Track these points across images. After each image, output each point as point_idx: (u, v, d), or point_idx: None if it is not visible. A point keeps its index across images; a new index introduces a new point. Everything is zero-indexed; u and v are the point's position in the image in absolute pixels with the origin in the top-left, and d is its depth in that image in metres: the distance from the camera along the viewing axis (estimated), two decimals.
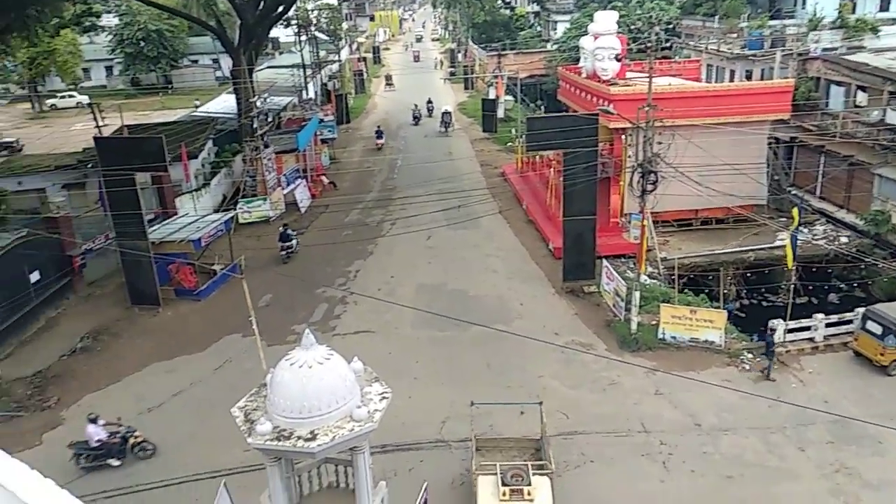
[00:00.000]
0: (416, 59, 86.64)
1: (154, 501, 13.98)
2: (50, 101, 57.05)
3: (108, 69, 67.05)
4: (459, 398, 17.02)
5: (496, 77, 51.67)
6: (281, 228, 27.20)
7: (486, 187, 34.30)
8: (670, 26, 47.95)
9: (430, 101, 53.52)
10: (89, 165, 26.95)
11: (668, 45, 44.27)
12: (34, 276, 21.50)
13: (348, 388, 9.23)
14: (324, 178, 36.71)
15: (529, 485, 12.10)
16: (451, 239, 27.94)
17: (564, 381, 17.91)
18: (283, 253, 26.50)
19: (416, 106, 51.55)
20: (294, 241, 26.96)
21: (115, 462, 14.98)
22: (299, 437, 8.53)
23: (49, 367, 19.29)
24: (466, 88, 65.89)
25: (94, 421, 14.90)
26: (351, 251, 27.28)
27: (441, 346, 19.79)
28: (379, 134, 45.23)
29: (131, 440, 15.18)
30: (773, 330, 18.54)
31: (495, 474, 12.36)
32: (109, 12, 60.23)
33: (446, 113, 48.35)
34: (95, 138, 22.76)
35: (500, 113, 48.90)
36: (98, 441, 14.81)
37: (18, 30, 24.45)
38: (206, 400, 17.19)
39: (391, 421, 13.09)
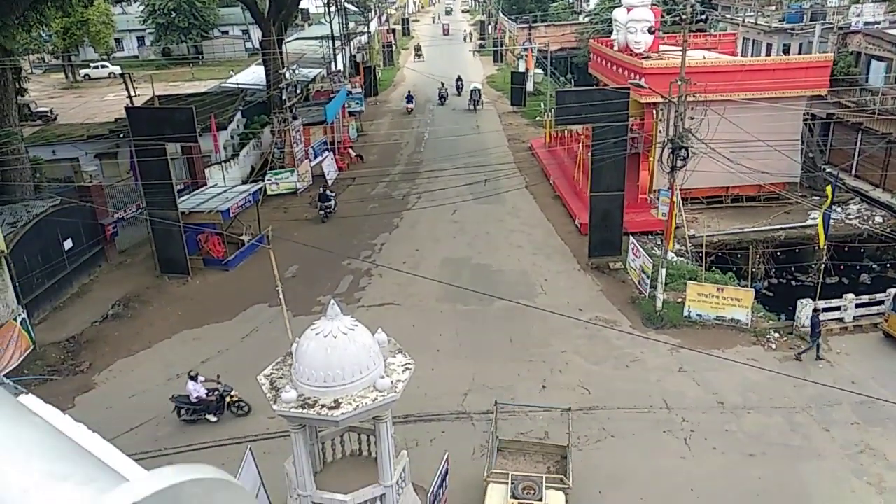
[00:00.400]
0: (446, 32, 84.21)
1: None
2: (83, 72, 57.76)
3: (140, 40, 67.60)
4: (481, 371, 17.18)
5: (526, 50, 50.99)
6: (321, 189, 28.86)
7: (514, 162, 34.08)
8: None
9: (459, 79, 50.72)
10: (121, 135, 27.35)
11: (703, 17, 43.13)
12: (68, 244, 22.00)
13: (372, 359, 9.37)
14: (351, 150, 36.79)
15: (541, 500, 11.28)
16: (477, 213, 27.89)
17: (587, 356, 17.92)
18: (322, 212, 27.97)
19: (442, 84, 48.63)
20: (332, 202, 28.38)
21: (212, 418, 15.56)
22: (323, 406, 8.71)
23: (82, 333, 19.83)
24: (496, 61, 65.20)
25: (194, 378, 15.48)
26: (377, 224, 27.41)
27: (464, 319, 19.90)
28: (409, 98, 47.46)
29: (228, 398, 15.69)
30: (818, 310, 18.14)
31: (506, 483, 11.58)
32: None
33: (476, 90, 46.19)
34: (127, 108, 23.06)
35: (530, 86, 48.35)
36: (197, 397, 15.37)
37: None
38: (233, 367, 17.52)
39: (414, 392, 13.26)
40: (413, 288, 21.33)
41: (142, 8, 61.74)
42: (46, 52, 58.23)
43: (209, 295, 22.23)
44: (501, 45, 66.03)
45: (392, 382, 9.34)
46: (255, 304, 20.97)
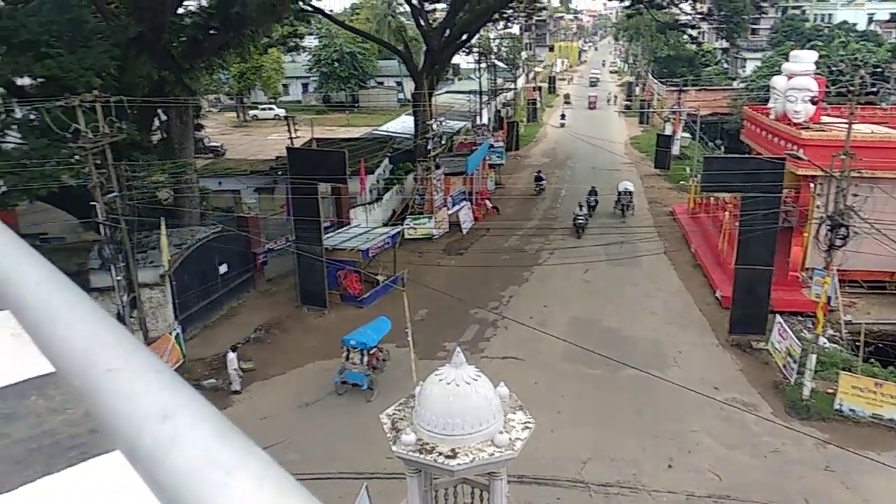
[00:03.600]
0: (592, 106, 73.98)
1: None
2: (252, 112, 63.29)
3: (305, 86, 73.18)
4: (603, 440, 16.50)
5: (674, 113, 49.96)
6: (536, 173, 40.04)
7: (653, 225, 33.11)
8: (878, 70, 43.72)
9: (592, 192, 34.95)
10: (279, 173, 29.53)
11: (873, 90, 40.40)
12: (223, 269, 23.83)
13: (492, 412, 9.27)
14: (488, 202, 37.37)
15: None
16: (610, 275, 27.23)
17: (720, 439, 16.72)
18: (537, 189, 38.83)
19: (580, 207, 32.71)
20: (544, 181, 39.31)
21: None
22: (440, 454, 8.69)
23: (226, 353, 21.22)
24: (641, 122, 64.33)
25: None
26: (507, 276, 27.46)
27: (589, 383, 19.30)
28: (563, 116, 61.71)
29: None
30: None
31: None
32: (311, 34, 65.78)
33: (626, 193, 34.88)
34: (288, 148, 24.90)
35: (675, 150, 47.12)
36: None
37: (234, 47, 27.45)
38: (357, 402, 18.02)
39: (531, 452, 12.92)
40: (538, 344, 21.04)
41: (309, 57, 67.03)
42: (223, 93, 64.44)
43: (343, 329, 23.02)
44: (648, 107, 65.12)
45: (511, 439, 9.18)
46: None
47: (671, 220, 34.28)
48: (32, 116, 20.80)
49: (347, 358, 18.56)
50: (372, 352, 18.63)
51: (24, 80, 22.86)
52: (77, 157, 17.58)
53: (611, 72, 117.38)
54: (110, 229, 17.97)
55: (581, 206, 32.80)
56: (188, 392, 0.74)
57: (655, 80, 71.24)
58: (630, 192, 35.16)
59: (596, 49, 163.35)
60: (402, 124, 45.12)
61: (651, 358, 20.34)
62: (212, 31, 24.72)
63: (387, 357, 19.56)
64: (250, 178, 31.78)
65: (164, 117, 26.57)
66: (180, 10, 25.13)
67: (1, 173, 18.54)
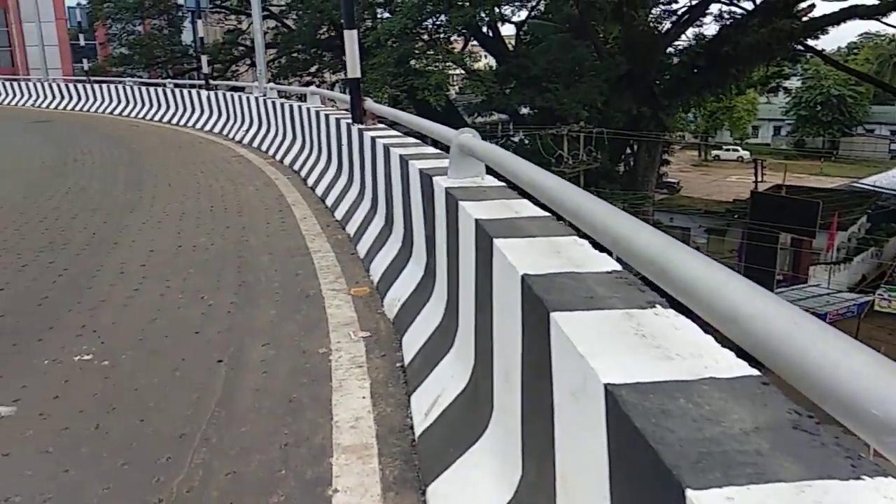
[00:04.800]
0: None
1: None
2: (714, 153, 62.00)
3: (777, 129, 68.61)
4: None
5: None
6: None
7: None
8: None
9: None
10: (735, 216, 28.31)
11: None
12: None
13: None
14: None
15: None
16: None
17: None
18: None
19: None
20: None
21: None
22: None
23: None
24: None
25: None
26: None
27: None
28: None
29: None
30: None
31: None
32: (795, 75, 61.32)
33: None
34: (752, 192, 23.72)
35: None
36: None
37: (716, 86, 27.22)
38: None
39: None
40: None
41: (788, 99, 62.59)
42: (688, 131, 64.55)
43: None
44: None
45: None
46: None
47: None
48: (526, 141, 24.13)
49: None
50: None
51: (524, 110, 26.68)
52: None
53: None
54: None
55: None
56: None
57: None
58: None
59: None
60: (892, 179, 38.69)
61: None
62: (696, 70, 25.00)
63: None
64: (703, 218, 31.18)
65: (628, 150, 27.97)
66: (669, 50, 26.10)
67: None
